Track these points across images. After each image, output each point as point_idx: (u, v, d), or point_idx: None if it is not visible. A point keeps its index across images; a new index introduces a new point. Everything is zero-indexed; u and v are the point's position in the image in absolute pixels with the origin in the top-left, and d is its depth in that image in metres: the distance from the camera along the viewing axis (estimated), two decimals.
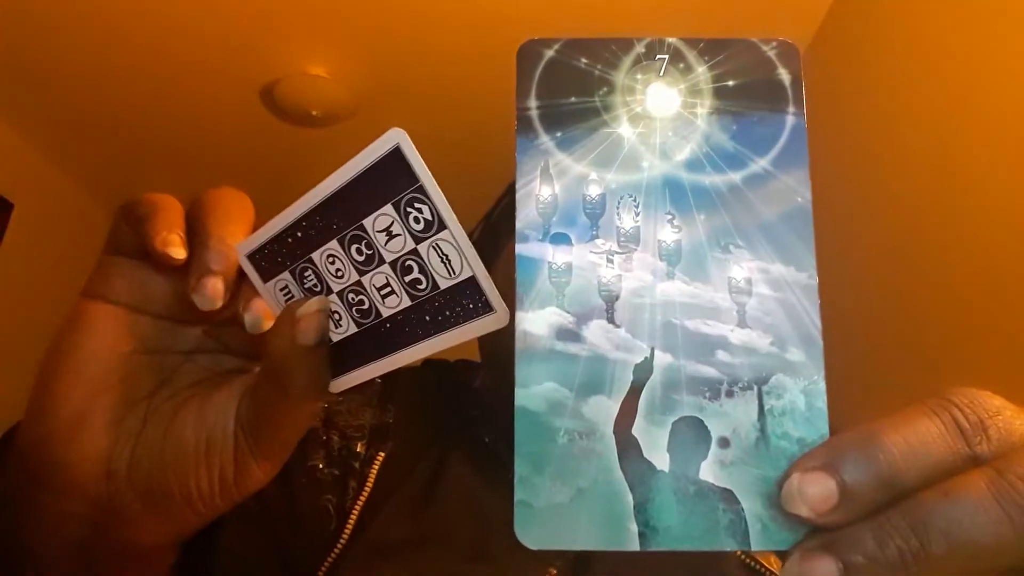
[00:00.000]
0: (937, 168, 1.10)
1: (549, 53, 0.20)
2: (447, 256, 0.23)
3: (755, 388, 0.19)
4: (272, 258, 0.27)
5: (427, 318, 0.24)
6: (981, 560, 0.15)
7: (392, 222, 0.23)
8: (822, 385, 0.19)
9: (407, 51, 1.60)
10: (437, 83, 1.65)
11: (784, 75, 0.20)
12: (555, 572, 0.40)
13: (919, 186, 1.15)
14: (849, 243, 1.37)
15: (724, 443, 0.19)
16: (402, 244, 0.24)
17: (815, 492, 0.17)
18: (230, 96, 1.75)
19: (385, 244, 0.24)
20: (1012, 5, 0.96)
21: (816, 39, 1.52)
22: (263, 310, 0.27)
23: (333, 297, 0.26)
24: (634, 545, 0.18)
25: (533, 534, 0.18)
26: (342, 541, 0.40)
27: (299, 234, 0.26)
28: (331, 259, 0.25)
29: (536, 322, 0.19)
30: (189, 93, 1.74)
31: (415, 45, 1.59)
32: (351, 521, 0.41)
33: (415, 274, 0.24)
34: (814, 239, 0.19)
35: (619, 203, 0.20)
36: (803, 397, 0.19)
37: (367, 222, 0.24)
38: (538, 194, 0.20)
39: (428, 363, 0.53)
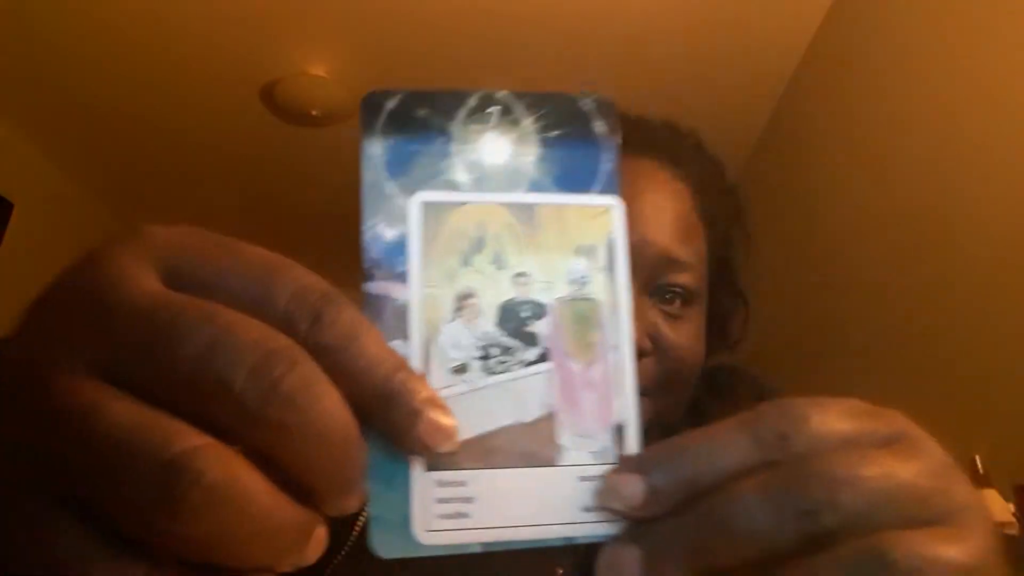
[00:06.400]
0: (938, 167, 1.10)
1: (390, 104, 0.22)
2: None
3: None
4: None
5: None
6: (751, 547, 0.18)
7: None
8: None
9: (407, 51, 1.60)
10: (437, 83, 1.65)
11: (600, 126, 0.23)
12: (561, 572, 0.40)
13: (920, 186, 1.15)
14: (849, 243, 1.37)
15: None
16: None
17: (627, 491, 0.19)
18: (230, 96, 1.75)
19: None
20: (1013, 5, 0.96)
21: (816, 39, 1.52)
22: None
23: None
24: (475, 548, 0.20)
25: (386, 545, 0.19)
26: (349, 543, 0.40)
27: None
28: None
29: None
30: (189, 93, 1.75)
31: (415, 45, 1.59)
32: (358, 524, 0.41)
33: None
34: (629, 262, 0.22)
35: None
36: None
37: None
38: (382, 235, 0.21)
39: None
